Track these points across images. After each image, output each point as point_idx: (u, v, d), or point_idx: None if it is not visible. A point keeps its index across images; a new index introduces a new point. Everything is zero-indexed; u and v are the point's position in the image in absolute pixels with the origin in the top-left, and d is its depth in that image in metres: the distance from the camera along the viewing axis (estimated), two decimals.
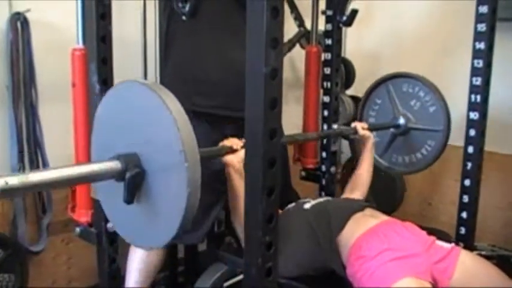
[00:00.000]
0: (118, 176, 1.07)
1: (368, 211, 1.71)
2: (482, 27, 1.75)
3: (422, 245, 1.57)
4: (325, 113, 2.21)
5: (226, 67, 1.83)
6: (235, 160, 1.54)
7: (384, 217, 1.69)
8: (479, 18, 1.75)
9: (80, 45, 1.57)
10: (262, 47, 1.04)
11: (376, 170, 2.12)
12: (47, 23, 2.10)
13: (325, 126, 2.23)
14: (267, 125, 1.07)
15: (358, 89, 2.98)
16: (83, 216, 1.64)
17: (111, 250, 1.58)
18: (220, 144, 1.61)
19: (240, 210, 1.49)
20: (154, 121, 1.05)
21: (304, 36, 2.73)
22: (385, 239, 1.54)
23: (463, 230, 1.88)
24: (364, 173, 1.99)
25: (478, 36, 1.76)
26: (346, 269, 1.57)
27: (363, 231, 1.58)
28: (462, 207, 1.87)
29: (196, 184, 1.03)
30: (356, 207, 1.71)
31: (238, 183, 1.54)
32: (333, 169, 2.25)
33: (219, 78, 1.84)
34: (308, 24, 2.53)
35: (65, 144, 2.25)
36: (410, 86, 2.19)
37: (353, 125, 2.05)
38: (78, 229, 1.65)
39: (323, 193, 2.28)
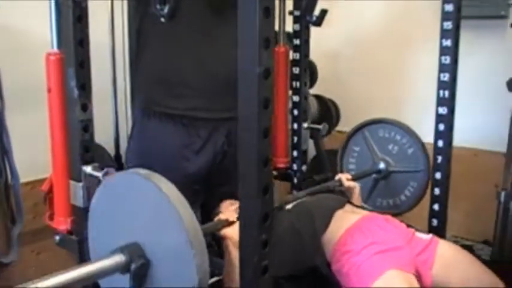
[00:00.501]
0: (123, 268, 1.08)
1: (348, 207, 1.75)
2: (448, 25, 1.81)
3: (404, 238, 1.62)
4: (295, 112, 2.24)
5: (201, 69, 1.83)
6: (234, 233, 1.49)
7: (364, 212, 1.73)
8: (445, 16, 1.82)
9: (55, 50, 1.53)
10: (255, 47, 1.04)
11: None
12: (10, 27, 2.04)
13: (295, 125, 2.25)
14: (261, 124, 1.07)
15: (320, 88, 3.04)
16: (62, 224, 1.60)
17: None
18: (216, 218, 1.61)
19: (236, 279, 1.46)
20: (155, 211, 1.08)
21: None
22: (368, 234, 1.58)
23: (435, 222, 1.94)
24: None
25: (444, 33, 1.82)
26: (332, 265, 1.59)
27: (346, 227, 1.62)
28: (434, 199, 1.94)
29: (205, 270, 1.06)
30: (336, 204, 1.74)
31: (235, 255, 1.48)
32: (304, 167, 2.28)
33: (194, 80, 1.83)
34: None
35: (33, 152, 2.21)
36: (386, 131, 2.26)
37: (337, 177, 2.06)
38: (57, 237, 1.62)
39: (294, 192, 2.30)
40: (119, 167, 2.34)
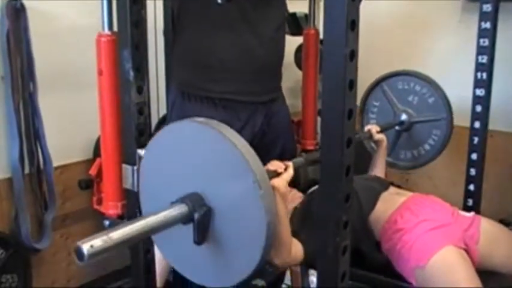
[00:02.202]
0: (186, 219, 1.07)
1: (392, 189, 1.78)
2: (488, 7, 1.82)
3: (451, 215, 1.65)
4: None
5: (240, 52, 1.82)
6: (281, 184, 1.46)
7: (408, 193, 1.76)
8: None
9: (106, 31, 1.50)
10: (342, 29, 1.04)
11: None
12: (43, 11, 2.01)
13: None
14: (346, 106, 1.07)
15: None
16: (112, 208, 1.58)
17: (146, 242, 1.54)
18: (264, 168, 1.60)
19: (280, 235, 1.45)
20: (217, 157, 1.06)
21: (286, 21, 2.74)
22: (418, 212, 1.61)
23: (470, 202, 1.97)
24: (379, 173, 2.04)
25: (483, 16, 1.84)
26: (383, 244, 1.62)
27: (394, 207, 1.64)
28: (469, 179, 1.97)
29: (273, 211, 1.05)
30: (381, 187, 1.76)
31: (282, 209, 1.47)
32: None
33: (234, 63, 1.82)
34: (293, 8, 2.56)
35: (62, 136, 2.19)
36: (405, 83, 2.26)
37: (366, 128, 2.09)
38: (107, 222, 1.60)
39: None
40: None
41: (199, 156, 1.08)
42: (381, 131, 2.08)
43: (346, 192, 1.11)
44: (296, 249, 1.55)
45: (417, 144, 2.29)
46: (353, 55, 1.07)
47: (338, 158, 1.08)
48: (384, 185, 1.79)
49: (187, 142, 1.10)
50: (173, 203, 1.07)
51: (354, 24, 1.05)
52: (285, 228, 1.48)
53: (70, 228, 2.27)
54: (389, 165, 2.29)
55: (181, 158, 1.12)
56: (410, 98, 2.26)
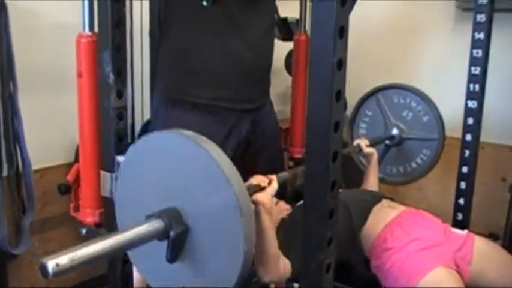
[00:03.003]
0: (161, 235, 1.01)
1: (385, 202, 1.73)
2: (481, 17, 1.78)
3: (443, 234, 1.60)
4: None
5: (227, 58, 1.77)
6: (265, 198, 1.42)
7: (401, 207, 1.71)
8: (478, 9, 1.79)
9: (87, 32, 1.45)
10: (330, 37, 0.99)
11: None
12: (25, 8, 1.94)
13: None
14: (333, 117, 1.02)
15: None
16: (89, 216, 1.53)
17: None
18: (247, 183, 1.55)
19: (267, 250, 1.42)
20: (199, 174, 1.00)
21: (277, 25, 2.69)
22: (409, 229, 1.56)
23: (460, 216, 1.93)
24: (372, 187, 2.00)
25: (477, 26, 1.80)
26: (372, 262, 1.57)
27: (385, 223, 1.59)
28: (459, 193, 1.93)
29: (252, 240, 1.00)
30: (373, 200, 1.71)
31: (268, 224, 1.43)
32: None
33: (221, 69, 1.77)
34: (285, 12, 2.51)
35: (45, 138, 2.13)
36: (401, 97, 2.22)
37: (355, 143, 2.05)
38: (84, 230, 1.54)
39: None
40: None
41: (180, 171, 1.03)
42: (371, 145, 2.05)
43: (331, 207, 1.06)
44: (284, 263, 1.50)
45: (405, 161, 2.26)
46: (341, 64, 1.01)
47: (323, 172, 1.03)
48: (376, 197, 1.75)
49: (169, 155, 1.05)
50: (149, 218, 1.01)
51: (342, 31, 1.00)
52: (272, 243, 1.43)
53: (49, 233, 2.20)
54: None
55: (162, 170, 1.06)
56: (404, 113, 2.22)
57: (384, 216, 1.63)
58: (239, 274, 0.98)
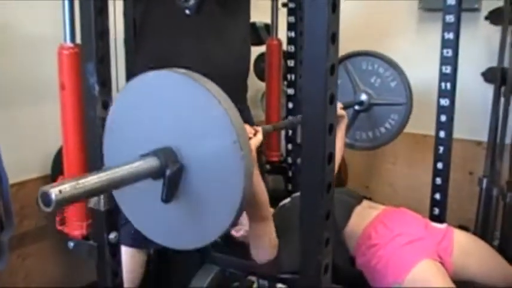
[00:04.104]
0: (156, 174, 0.99)
1: (365, 203, 1.77)
2: (450, 18, 1.85)
3: (424, 228, 1.65)
4: (290, 105, 2.22)
5: (207, 64, 1.78)
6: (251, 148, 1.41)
7: (381, 206, 1.76)
8: (447, 9, 1.85)
9: (69, 43, 1.44)
10: (323, 42, 1.02)
11: None
12: None
13: (289, 119, 2.24)
14: (326, 121, 1.05)
15: None
16: (76, 229, 1.52)
17: (113, 263, 1.48)
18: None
19: (257, 198, 1.44)
20: (197, 112, 0.99)
21: None
22: (392, 226, 1.60)
23: (436, 211, 1.99)
24: (338, 152, 1.99)
25: (446, 27, 1.86)
26: (357, 259, 1.61)
27: (367, 221, 1.63)
28: (435, 189, 1.98)
29: (251, 175, 0.99)
30: (354, 201, 1.75)
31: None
32: (299, 161, 2.27)
33: (199, 74, 1.77)
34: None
35: (19, 151, 2.08)
36: (369, 64, 2.25)
37: None
38: (71, 243, 1.52)
39: (290, 185, 2.30)
40: None
41: (176, 109, 1.01)
42: (343, 108, 2.06)
43: (327, 209, 1.09)
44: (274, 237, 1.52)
45: (373, 126, 2.30)
46: (333, 69, 1.04)
47: (319, 174, 1.06)
48: (356, 198, 1.79)
49: (164, 93, 1.03)
50: (143, 156, 0.99)
51: (334, 37, 1.03)
52: (260, 188, 1.46)
53: (28, 248, 2.16)
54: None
55: (155, 111, 1.04)
56: (372, 80, 2.26)
57: (366, 216, 1.67)
58: (236, 213, 0.97)
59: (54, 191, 0.83)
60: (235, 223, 1.03)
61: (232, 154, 0.96)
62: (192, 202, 1.04)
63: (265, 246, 1.54)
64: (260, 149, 2.12)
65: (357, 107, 2.27)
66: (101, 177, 0.91)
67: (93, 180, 0.89)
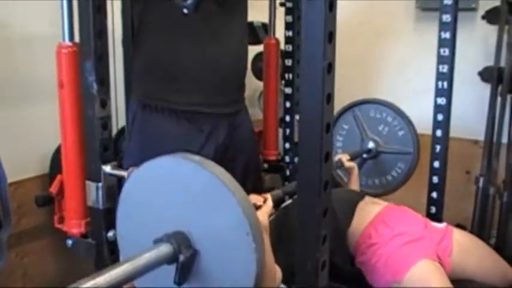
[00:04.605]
0: (170, 259, 1.00)
1: (367, 199, 1.78)
2: (447, 17, 1.86)
3: (424, 228, 1.66)
4: (288, 104, 2.23)
5: (205, 63, 1.78)
6: (262, 218, 1.42)
7: (383, 203, 1.77)
8: (444, 9, 1.86)
9: (67, 42, 1.44)
10: (320, 41, 1.03)
11: None
12: None
13: (287, 118, 2.25)
14: (324, 119, 1.06)
15: None
16: (75, 227, 1.52)
17: (112, 261, 1.49)
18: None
19: (269, 271, 1.44)
20: (210, 200, 1.01)
21: None
22: (392, 225, 1.62)
23: (433, 209, 2.00)
24: None
25: (443, 26, 1.87)
26: (356, 258, 1.62)
27: (369, 220, 1.64)
28: (432, 187, 1.99)
29: (263, 264, 1.01)
30: (357, 197, 1.76)
31: (265, 242, 1.46)
32: (296, 159, 2.28)
33: (197, 74, 1.78)
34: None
35: (17, 150, 2.09)
36: (377, 112, 2.29)
37: (337, 158, 2.09)
38: (70, 241, 1.53)
39: (286, 183, 2.31)
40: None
41: (190, 196, 1.03)
42: (351, 159, 2.10)
43: (324, 207, 1.10)
44: (276, 270, 1.52)
45: (380, 173, 2.33)
46: (330, 68, 1.05)
47: (316, 173, 1.07)
48: (359, 195, 1.80)
49: (177, 179, 1.04)
50: (157, 242, 1.00)
51: (331, 36, 1.04)
52: (269, 259, 1.45)
53: (26, 247, 2.16)
54: None
55: (169, 195, 1.05)
56: (380, 128, 2.29)
57: (368, 213, 1.68)
58: None
59: None
60: None
61: (245, 246, 0.97)
62: (204, 285, 1.05)
63: None
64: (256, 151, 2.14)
65: (364, 155, 2.31)
66: (117, 273, 0.91)
67: (110, 277, 0.89)
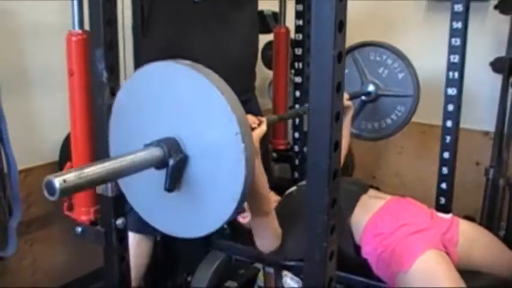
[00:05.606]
0: (160, 163, 1.01)
1: (372, 192, 1.78)
2: (459, 7, 1.84)
3: (430, 218, 1.65)
4: (297, 93, 2.23)
5: (216, 53, 1.78)
6: (254, 139, 1.42)
7: (387, 196, 1.76)
8: None
9: (77, 30, 1.44)
10: (331, 30, 1.02)
11: None
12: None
13: (297, 107, 2.24)
14: (334, 108, 1.05)
15: None
16: (84, 214, 1.53)
17: (120, 249, 1.49)
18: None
19: (258, 191, 1.44)
20: (200, 104, 1.01)
21: None
22: (398, 216, 1.61)
23: (442, 200, 1.99)
24: (344, 139, 1.99)
25: (455, 16, 1.85)
26: (362, 248, 1.61)
27: (374, 211, 1.64)
28: (441, 178, 1.99)
29: (253, 165, 1.01)
30: (360, 190, 1.75)
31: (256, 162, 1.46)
32: (305, 149, 2.27)
33: (209, 64, 1.77)
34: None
35: (27, 138, 2.10)
36: (377, 54, 2.24)
37: None
38: (79, 229, 1.54)
39: (296, 173, 2.31)
40: None
41: (180, 100, 1.04)
42: (350, 99, 2.05)
43: (333, 197, 1.09)
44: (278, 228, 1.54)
45: (380, 117, 2.29)
46: (341, 57, 1.05)
47: (325, 162, 1.06)
48: (362, 188, 1.79)
49: (168, 84, 1.05)
50: (147, 145, 1.01)
51: (341, 25, 1.03)
52: (263, 182, 1.48)
53: (35, 234, 2.18)
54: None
55: (159, 101, 1.07)
56: (380, 70, 2.25)
57: (372, 206, 1.67)
58: (237, 204, 0.99)
59: (59, 180, 0.84)
60: (236, 213, 1.04)
61: (234, 146, 0.97)
62: (194, 191, 1.06)
63: (267, 238, 1.55)
64: (266, 138, 2.14)
65: (363, 98, 2.26)
66: (105, 166, 0.93)
67: (97, 169, 0.91)
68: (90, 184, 0.91)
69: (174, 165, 1.01)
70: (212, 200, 1.04)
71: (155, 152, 1.00)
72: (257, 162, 1.42)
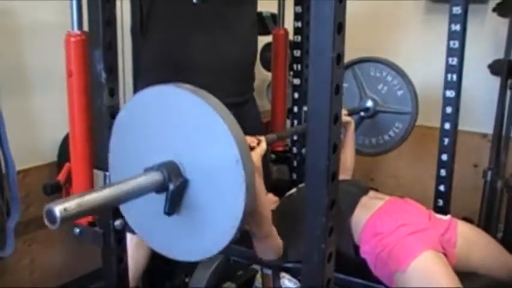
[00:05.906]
0: (160, 188, 1.01)
1: (372, 193, 1.78)
2: (457, 10, 1.84)
3: (428, 219, 1.66)
4: (296, 95, 2.23)
5: (215, 54, 1.79)
6: (255, 158, 1.43)
7: (387, 197, 1.76)
8: (454, 1, 1.85)
9: (76, 31, 1.44)
10: (329, 32, 1.02)
11: None
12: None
13: (295, 108, 2.24)
14: (332, 110, 1.06)
15: None
16: None
17: (119, 250, 1.49)
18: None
19: (259, 211, 1.44)
20: (201, 129, 1.01)
21: None
22: (397, 216, 1.61)
23: (440, 202, 2.00)
24: (348, 158, 2.03)
25: (453, 18, 1.86)
26: (361, 248, 1.62)
27: (373, 211, 1.64)
28: (440, 180, 1.99)
29: (253, 193, 1.01)
30: (360, 192, 1.76)
31: (257, 182, 1.43)
32: (304, 150, 2.28)
33: (207, 65, 1.78)
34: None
35: (26, 138, 2.10)
36: (377, 70, 2.25)
37: None
38: (77, 230, 1.54)
39: (295, 175, 2.31)
40: None
41: (181, 124, 1.03)
42: (349, 114, 2.06)
43: (332, 198, 1.10)
44: (277, 238, 1.54)
45: (377, 133, 2.31)
46: (339, 59, 1.05)
47: (324, 164, 1.07)
48: (362, 189, 1.79)
49: (169, 108, 1.05)
50: (147, 170, 1.01)
51: (340, 27, 1.04)
52: (264, 203, 1.47)
53: (34, 234, 2.18)
54: None
55: (160, 124, 1.06)
56: (379, 87, 2.26)
57: (371, 206, 1.68)
58: (237, 229, 0.99)
59: (59, 209, 0.84)
60: (236, 238, 1.04)
61: (235, 173, 0.97)
62: (194, 215, 1.06)
63: (269, 256, 1.55)
64: (266, 155, 2.14)
65: (362, 113, 2.28)
66: (105, 194, 0.92)
67: (98, 197, 0.91)
68: (91, 211, 0.90)
69: (174, 189, 1.01)
70: (212, 224, 1.04)
71: (155, 177, 1.00)
72: (258, 180, 1.42)
